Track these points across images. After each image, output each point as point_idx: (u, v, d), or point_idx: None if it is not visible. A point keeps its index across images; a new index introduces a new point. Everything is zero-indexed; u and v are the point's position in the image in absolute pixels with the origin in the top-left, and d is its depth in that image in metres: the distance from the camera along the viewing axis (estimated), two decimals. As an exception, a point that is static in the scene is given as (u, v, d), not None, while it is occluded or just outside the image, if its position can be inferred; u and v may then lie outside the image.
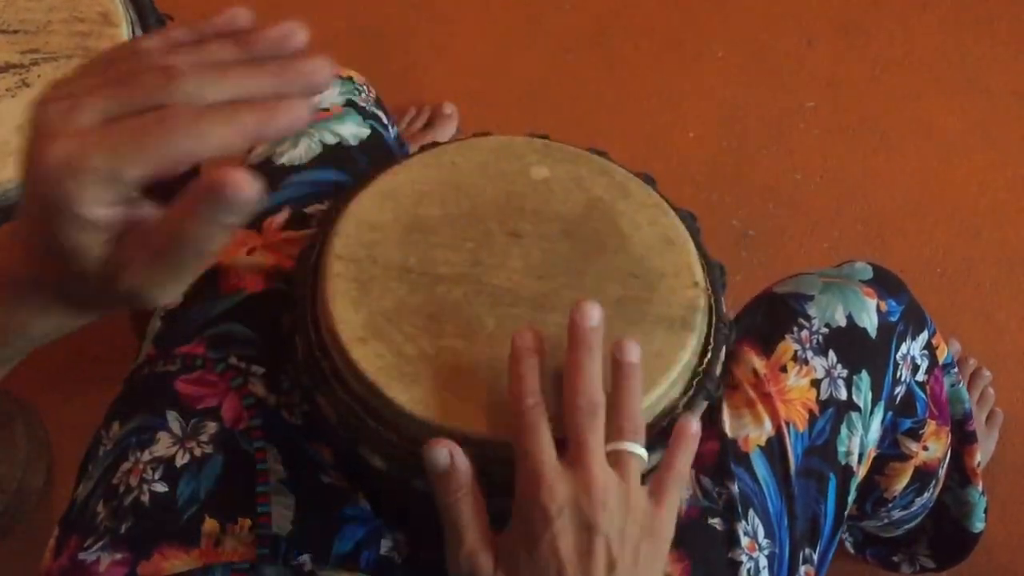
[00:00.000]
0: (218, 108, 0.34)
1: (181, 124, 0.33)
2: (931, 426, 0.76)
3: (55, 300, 0.38)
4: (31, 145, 0.33)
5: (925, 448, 0.78)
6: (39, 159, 0.33)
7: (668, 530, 0.48)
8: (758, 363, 0.67)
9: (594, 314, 0.49)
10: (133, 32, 0.81)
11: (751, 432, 0.64)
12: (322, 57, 0.37)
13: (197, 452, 0.61)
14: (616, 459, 0.47)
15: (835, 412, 0.66)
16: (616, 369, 0.49)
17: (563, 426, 0.48)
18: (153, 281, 0.36)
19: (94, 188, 0.33)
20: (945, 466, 0.84)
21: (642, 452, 0.48)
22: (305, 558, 0.59)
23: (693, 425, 0.51)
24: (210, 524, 0.59)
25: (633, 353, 0.49)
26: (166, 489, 0.60)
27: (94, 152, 0.33)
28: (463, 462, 0.48)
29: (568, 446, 0.47)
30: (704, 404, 0.62)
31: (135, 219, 0.35)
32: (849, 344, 0.68)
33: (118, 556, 0.58)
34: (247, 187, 0.33)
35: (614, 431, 0.48)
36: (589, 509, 0.45)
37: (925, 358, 0.73)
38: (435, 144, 0.69)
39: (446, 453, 0.48)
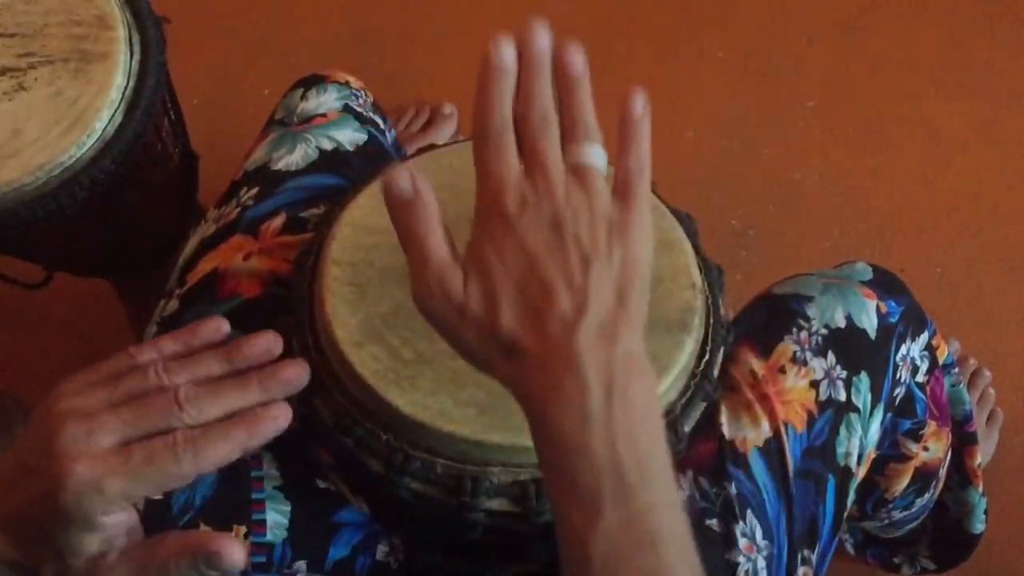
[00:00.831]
0: (214, 430, 0.42)
1: (187, 451, 0.41)
2: (931, 427, 0.76)
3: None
4: (52, 461, 0.40)
5: (925, 449, 0.78)
6: (63, 476, 0.40)
7: (643, 230, 0.45)
8: (756, 364, 0.66)
9: (543, 35, 0.46)
10: (130, 35, 0.81)
11: (749, 433, 0.64)
12: (299, 361, 0.45)
13: None
14: (573, 165, 0.45)
15: (834, 413, 0.66)
16: (561, 80, 0.46)
17: (518, 144, 0.46)
18: None
19: (109, 504, 0.41)
20: (946, 467, 0.84)
21: (600, 156, 0.46)
22: (300, 565, 0.59)
23: (635, 104, 0.47)
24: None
25: (577, 62, 0.46)
26: (160, 496, 0.60)
27: (114, 476, 0.40)
28: (427, 186, 0.45)
29: (525, 159, 0.45)
30: (702, 406, 0.62)
31: (129, 522, 0.44)
32: (848, 345, 0.67)
33: (114, 562, 0.58)
34: (238, 556, 0.42)
35: (567, 138, 0.46)
36: (552, 205, 0.44)
37: (925, 359, 0.73)
38: (432, 147, 0.69)
39: (408, 176, 0.45)
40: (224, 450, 0.42)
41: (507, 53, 0.45)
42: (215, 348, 0.47)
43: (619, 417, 0.42)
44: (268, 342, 0.46)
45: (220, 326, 0.49)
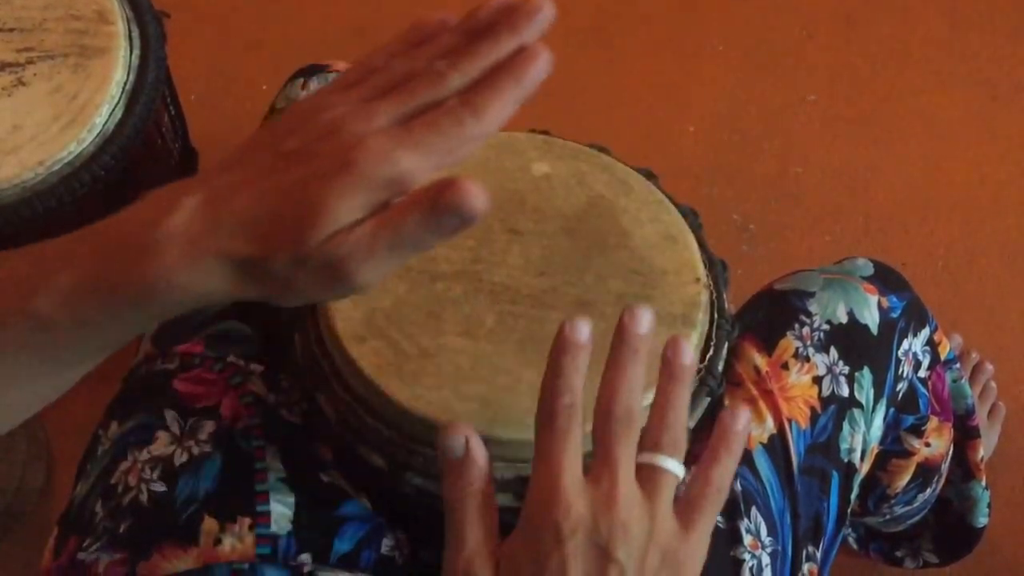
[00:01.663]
0: (483, 85, 0.38)
1: (464, 111, 0.37)
2: (933, 422, 0.76)
3: (248, 274, 0.38)
4: (337, 143, 0.37)
5: (928, 444, 0.77)
6: (356, 151, 0.36)
7: (695, 562, 0.42)
8: (760, 360, 0.66)
9: (644, 320, 0.43)
10: (129, 29, 0.80)
11: (753, 430, 0.64)
12: None
13: (196, 451, 0.61)
14: (647, 474, 0.42)
15: (837, 409, 0.66)
16: (665, 368, 0.44)
17: (592, 435, 0.43)
18: (366, 273, 0.38)
19: (402, 179, 0.36)
20: (948, 461, 0.84)
21: (679, 470, 0.42)
22: (305, 558, 0.59)
23: (740, 420, 0.45)
24: (209, 523, 0.59)
25: (687, 354, 0.44)
26: (165, 488, 0.60)
27: (403, 149, 0.36)
28: (480, 454, 0.43)
29: (594, 458, 0.42)
30: (706, 401, 0.61)
31: None
32: (851, 341, 0.67)
33: (117, 556, 0.58)
34: (476, 199, 0.36)
35: (648, 442, 0.42)
36: (608, 533, 0.40)
37: (927, 354, 0.73)
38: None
39: (462, 441, 0.43)
40: (501, 103, 0.38)
41: (583, 330, 0.42)
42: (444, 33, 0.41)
43: None
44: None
45: (440, 19, 0.42)
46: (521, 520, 0.42)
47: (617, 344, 0.43)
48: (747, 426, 0.45)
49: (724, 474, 0.43)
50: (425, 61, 0.40)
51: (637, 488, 0.41)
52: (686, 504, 0.43)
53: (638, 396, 0.42)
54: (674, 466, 0.42)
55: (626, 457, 0.41)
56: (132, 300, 0.38)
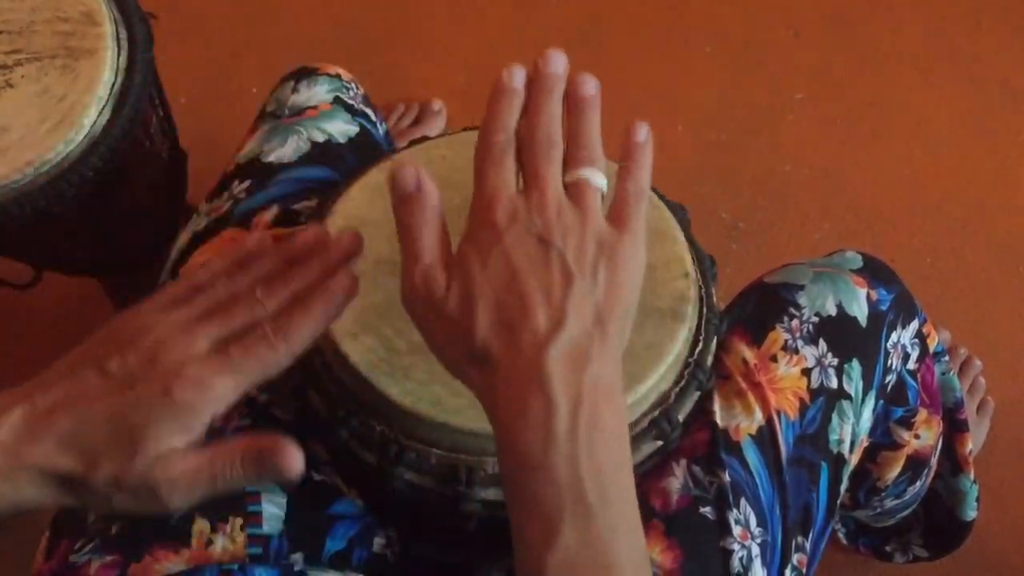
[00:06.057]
0: (296, 311, 0.45)
1: (278, 336, 0.43)
2: (922, 414, 0.76)
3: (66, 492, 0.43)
4: (157, 369, 0.42)
5: (917, 436, 0.78)
6: (175, 379, 0.42)
7: (633, 256, 0.45)
8: (748, 353, 0.67)
9: (558, 61, 0.48)
10: (117, 31, 0.80)
11: (742, 421, 0.64)
12: (349, 232, 0.48)
13: None
14: (573, 189, 0.46)
15: (826, 401, 0.66)
16: (571, 104, 0.47)
17: (520, 163, 0.46)
18: (183, 500, 0.43)
19: (218, 402, 0.43)
20: (937, 454, 0.84)
21: (600, 180, 0.46)
22: (297, 557, 0.59)
23: (640, 130, 0.48)
24: (200, 524, 0.59)
25: (590, 86, 0.48)
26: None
27: (221, 375, 0.42)
28: (431, 186, 0.46)
29: (523, 179, 0.46)
30: (696, 395, 0.62)
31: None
32: (840, 333, 0.68)
33: (108, 558, 0.58)
34: (295, 465, 0.43)
35: (570, 161, 0.46)
36: (542, 223, 0.44)
37: (916, 346, 0.73)
38: (424, 138, 0.69)
39: (414, 173, 0.46)
40: (310, 327, 0.44)
41: (518, 76, 0.47)
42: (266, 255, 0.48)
43: (584, 438, 0.42)
44: (315, 232, 0.48)
45: (262, 239, 0.49)
46: (466, 227, 0.46)
47: (534, 89, 0.47)
48: (649, 136, 0.48)
49: (641, 179, 0.47)
50: (245, 284, 0.46)
51: (566, 197, 0.45)
52: (614, 209, 0.46)
53: (556, 125, 0.47)
54: (595, 175, 0.46)
55: (552, 171, 0.45)
56: None
